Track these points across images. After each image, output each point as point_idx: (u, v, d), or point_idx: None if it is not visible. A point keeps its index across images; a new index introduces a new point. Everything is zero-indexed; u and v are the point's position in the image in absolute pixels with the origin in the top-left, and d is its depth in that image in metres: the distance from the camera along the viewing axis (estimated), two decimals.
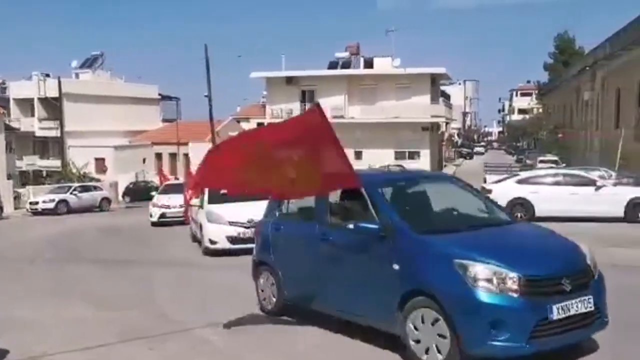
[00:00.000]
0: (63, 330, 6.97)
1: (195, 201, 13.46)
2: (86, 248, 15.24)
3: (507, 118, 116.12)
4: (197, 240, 13.69)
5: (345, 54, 47.29)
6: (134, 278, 10.39)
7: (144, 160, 50.37)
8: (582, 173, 17.05)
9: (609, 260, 10.36)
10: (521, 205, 15.96)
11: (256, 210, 11.51)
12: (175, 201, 19.46)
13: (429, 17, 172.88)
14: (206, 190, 12.53)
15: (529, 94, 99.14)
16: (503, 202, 16.06)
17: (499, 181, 17.71)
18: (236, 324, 6.89)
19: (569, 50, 64.91)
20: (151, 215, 20.06)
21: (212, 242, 11.94)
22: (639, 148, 22.31)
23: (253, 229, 10.65)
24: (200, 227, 12.56)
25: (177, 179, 32.16)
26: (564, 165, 32.47)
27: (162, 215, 19.68)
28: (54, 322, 7.39)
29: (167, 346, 6.16)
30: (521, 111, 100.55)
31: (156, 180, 39.91)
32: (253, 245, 10.73)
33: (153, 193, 23.24)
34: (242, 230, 11.75)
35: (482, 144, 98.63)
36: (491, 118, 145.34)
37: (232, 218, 11.79)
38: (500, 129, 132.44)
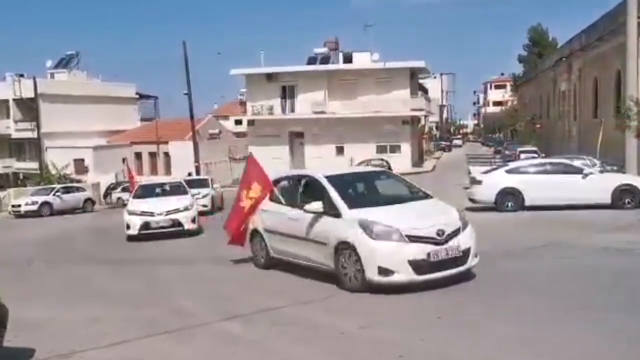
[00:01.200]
0: (84, 328, 6.97)
1: (267, 205, 9.75)
2: (81, 249, 15.09)
3: (483, 110, 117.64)
4: (268, 265, 9.72)
5: (324, 50, 47.29)
6: (139, 276, 10.39)
7: (123, 160, 49.84)
8: (569, 162, 17.41)
9: (603, 244, 10.83)
10: (511, 194, 16.29)
11: (436, 215, 7.98)
12: (161, 206, 15.55)
13: (403, 13, 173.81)
14: (328, 187, 8.52)
15: (503, 87, 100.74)
16: (493, 192, 16.49)
17: (488, 171, 18.00)
18: (254, 316, 7.00)
19: (542, 42, 66.17)
20: (128, 227, 15.17)
21: (384, 271, 7.37)
22: (617, 136, 22.85)
23: (448, 247, 7.55)
24: (344, 247, 7.77)
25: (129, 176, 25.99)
26: (543, 155, 33.07)
27: (146, 226, 15.08)
28: (72, 321, 7.39)
29: (196, 340, 6.22)
30: (496, 103, 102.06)
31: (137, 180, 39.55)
32: (452, 272, 7.59)
33: (120, 195, 19.31)
34: (432, 249, 7.46)
35: (459, 136, 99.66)
36: (466, 111, 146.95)
37: (413, 231, 7.48)
38: (476, 121, 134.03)
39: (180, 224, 15.26)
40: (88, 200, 32.32)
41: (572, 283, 7.94)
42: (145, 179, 31.74)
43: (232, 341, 6.10)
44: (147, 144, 50.65)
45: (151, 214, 15.29)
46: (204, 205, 21.03)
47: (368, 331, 6.10)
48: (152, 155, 51.13)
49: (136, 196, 16.78)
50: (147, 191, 17.30)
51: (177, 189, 17.64)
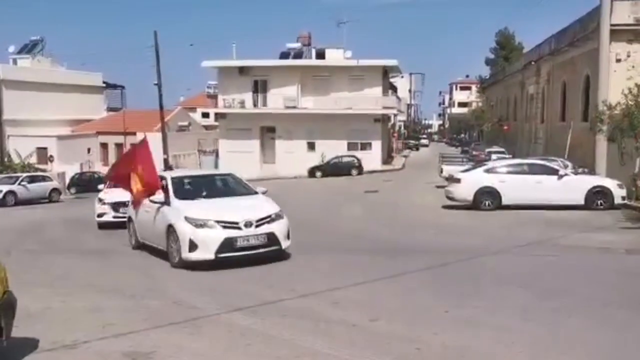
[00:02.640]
0: (84, 318, 6.83)
1: None
2: (59, 239, 14.65)
3: (448, 111, 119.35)
4: None
5: (297, 45, 47.18)
6: (128, 267, 10.21)
7: (88, 150, 48.88)
8: (546, 163, 17.86)
9: (584, 243, 11.20)
10: (489, 193, 16.63)
11: None
12: (241, 211, 9.79)
13: (371, 11, 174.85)
14: None
15: (468, 88, 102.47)
16: (472, 191, 16.78)
17: (467, 170, 18.32)
18: (259, 308, 6.99)
19: (509, 45, 67.58)
20: (193, 247, 9.35)
21: None
22: (584, 139, 23.55)
23: None
24: None
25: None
26: (510, 156, 33.81)
27: (229, 246, 9.35)
28: (69, 311, 7.22)
29: (206, 332, 6.15)
30: (461, 104, 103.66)
31: (104, 170, 38.77)
32: None
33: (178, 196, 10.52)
34: None
35: (424, 136, 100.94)
36: (431, 111, 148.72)
37: None
38: (441, 121, 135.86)
39: (277, 242, 9.71)
40: (54, 190, 31.51)
41: (562, 280, 8.18)
42: None
43: (242, 333, 6.06)
44: (114, 135, 49.73)
45: (235, 225, 9.43)
46: None
47: (380, 324, 6.17)
48: (119, 146, 50.16)
49: (179, 195, 10.47)
50: (187, 188, 11.15)
51: (232, 185, 11.51)
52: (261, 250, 9.60)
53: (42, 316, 7.02)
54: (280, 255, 9.85)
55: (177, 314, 6.85)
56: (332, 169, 38.24)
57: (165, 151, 39.53)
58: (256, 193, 10.96)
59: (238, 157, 41.37)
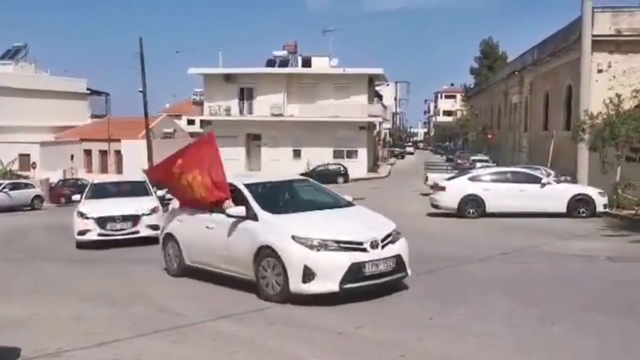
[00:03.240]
0: (69, 327, 6.77)
1: None
2: (43, 246, 14.50)
3: (433, 119, 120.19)
4: None
5: (283, 53, 47.37)
6: (113, 275, 10.11)
7: (72, 157, 48.52)
8: (529, 171, 18.07)
9: (567, 251, 11.33)
10: (473, 201, 16.77)
11: None
12: (362, 229, 7.75)
13: (358, 20, 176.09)
14: None
15: (453, 97, 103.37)
16: (457, 199, 16.91)
17: (451, 178, 18.47)
18: (245, 315, 6.98)
19: (493, 55, 68.37)
20: (309, 276, 7.25)
21: None
22: (566, 148, 23.84)
23: None
24: None
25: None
26: (494, 164, 34.12)
27: (358, 273, 7.32)
28: (54, 319, 7.15)
29: (191, 340, 6.12)
30: (446, 113, 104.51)
31: (89, 177, 38.45)
32: None
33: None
34: None
35: (410, 144, 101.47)
36: (416, 119, 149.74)
37: None
38: (426, 129, 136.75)
39: (404, 267, 7.86)
40: (37, 197, 31.19)
41: (546, 287, 8.27)
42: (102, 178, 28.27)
43: (228, 341, 6.04)
44: (98, 142, 49.44)
45: (359, 247, 7.40)
46: (154, 227, 12.76)
47: (365, 331, 6.19)
48: (103, 153, 49.92)
49: (265, 207, 8.16)
50: (268, 198, 8.76)
51: (317, 194, 9.45)
52: (388, 278, 7.58)
53: (25, 324, 6.96)
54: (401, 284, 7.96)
55: (161, 322, 6.81)
56: (318, 176, 38.14)
57: (150, 158, 39.38)
58: (350, 203, 8.91)
59: (223, 164, 41.34)
